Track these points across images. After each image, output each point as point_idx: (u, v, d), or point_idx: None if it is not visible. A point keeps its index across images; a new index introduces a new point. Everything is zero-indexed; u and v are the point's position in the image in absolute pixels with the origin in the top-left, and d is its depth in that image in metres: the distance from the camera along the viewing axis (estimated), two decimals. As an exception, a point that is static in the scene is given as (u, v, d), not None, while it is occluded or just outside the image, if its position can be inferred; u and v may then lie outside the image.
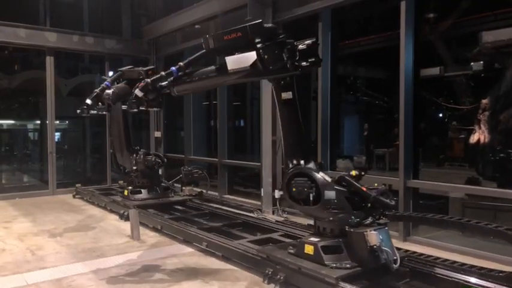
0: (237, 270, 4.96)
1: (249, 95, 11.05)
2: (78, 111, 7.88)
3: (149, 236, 6.55)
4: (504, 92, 6.17)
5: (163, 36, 11.35)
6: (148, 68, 7.76)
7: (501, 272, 4.23)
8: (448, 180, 6.66)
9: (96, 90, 7.67)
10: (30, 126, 13.28)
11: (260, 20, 4.37)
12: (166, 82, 5.00)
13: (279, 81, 4.59)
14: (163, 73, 5.00)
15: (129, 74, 7.60)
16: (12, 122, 12.84)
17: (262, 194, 8.14)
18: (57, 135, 11.53)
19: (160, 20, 11.21)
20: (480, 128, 6.35)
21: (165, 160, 8.77)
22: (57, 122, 11.12)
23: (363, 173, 4.49)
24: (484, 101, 6.33)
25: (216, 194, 9.67)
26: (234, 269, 5.01)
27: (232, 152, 10.02)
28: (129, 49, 11.68)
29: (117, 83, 7.57)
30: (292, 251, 4.60)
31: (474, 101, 6.65)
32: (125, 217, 7.48)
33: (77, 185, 10.30)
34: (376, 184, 4.51)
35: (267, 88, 7.71)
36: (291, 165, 4.66)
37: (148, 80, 5.13)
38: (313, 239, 4.45)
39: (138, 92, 5.15)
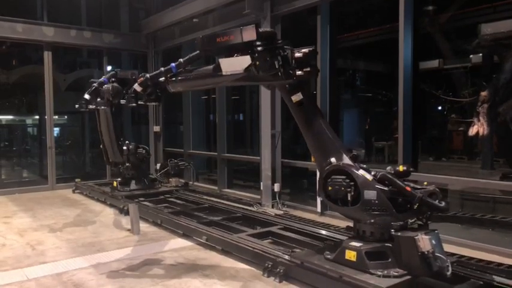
0: (237, 263, 4.97)
1: (248, 89, 11.04)
2: (77, 106, 7.87)
3: (149, 230, 6.57)
4: (503, 83, 6.16)
5: (161, 30, 11.31)
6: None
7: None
8: (447, 173, 6.66)
9: (94, 84, 7.66)
10: (29, 121, 13.26)
11: (253, 25, 4.15)
12: (164, 78, 4.97)
13: (283, 85, 4.39)
14: (162, 69, 4.98)
15: (121, 74, 7.81)
16: (11, 117, 12.81)
17: (261, 188, 8.15)
18: (56, 130, 11.52)
19: (159, 14, 11.16)
20: (479, 120, 6.35)
21: (150, 153, 9.37)
22: (56, 117, 11.10)
23: (411, 169, 4.13)
24: (483, 93, 6.32)
25: (216, 188, 9.69)
26: (233, 262, 5.02)
27: (232, 146, 10.03)
28: (127, 43, 11.64)
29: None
30: (330, 256, 4.19)
31: (473, 93, 6.65)
32: (124, 212, 7.49)
33: (77, 180, 10.31)
34: (425, 183, 4.14)
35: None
36: (324, 165, 4.33)
37: (147, 74, 5.13)
38: (355, 243, 4.04)
39: (136, 87, 5.16)
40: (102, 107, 7.88)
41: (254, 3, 7.90)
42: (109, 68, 11.39)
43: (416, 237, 3.69)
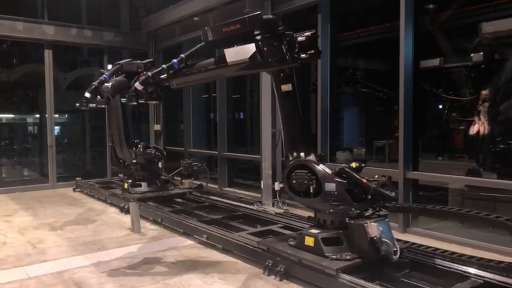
0: (238, 262, 4.98)
1: (249, 88, 11.04)
2: (77, 104, 7.86)
3: (149, 228, 6.57)
4: (504, 82, 6.16)
5: (161, 28, 11.31)
6: (147, 60, 7.70)
7: (500, 262, 4.26)
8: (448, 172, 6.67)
9: (94, 83, 7.65)
10: (29, 120, 13.26)
11: (259, 12, 4.31)
12: (166, 75, 4.95)
13: (278, 73, 4.55)
14: (164, 66, 4.95)
15: (127, 67, 7.56)
16: (11, 116, 12.81)
17: (262, 187, 8.15)
18: (57, 128, 11.52)
19: (159, 12, 11.16)
20: (480, 119, 6.35)
21: (165, 153, 8.78)
22: (57, 115, 11.10)
23: (363, 165, 4.45)
24: (484, 92, 6.32)
25: (216, 186, 9.69)
26: (234, 261, 5.03)
27: (232, 145, 10.03)
28: (127, 42, 11.64)
29: (116, 76, 7.53)
30: (292, 243, 4.62)
31: (474, 92, 6.64)
32: (125, 210, 7.50)
33: (77, 179, 10.32)
34: (376, 176, 4.47)
35: (266, 80, 7.69)
36: (291, 158, 4.66)
37: (149, 73, 5.09)
38: (313, 231, 4.47)
39: (137, 85, 5.13)
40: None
41: (255, 1, 7.90)
42: (109, 66, 11.39)
43: (365, 224, 4.06)
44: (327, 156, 7.37)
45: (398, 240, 4.39)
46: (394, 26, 6.38)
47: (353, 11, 8.65)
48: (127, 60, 7.91)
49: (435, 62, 6.68)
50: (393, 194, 4.28)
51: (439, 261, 4.29)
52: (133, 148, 8.30)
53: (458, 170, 6.76)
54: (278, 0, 7.85)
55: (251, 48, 4.18)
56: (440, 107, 7.98)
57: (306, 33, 4.37)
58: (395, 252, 4.01)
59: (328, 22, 7.40)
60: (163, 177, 8.67)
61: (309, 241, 4.39)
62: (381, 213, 4.32)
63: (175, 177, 9.44)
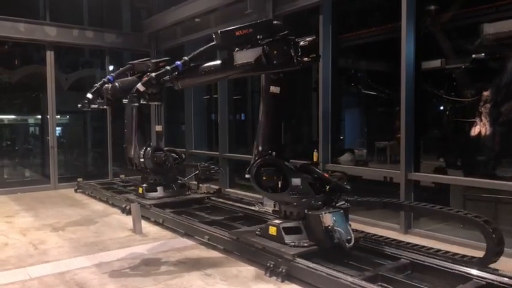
0: (239, 263, 4.98)
1: (250, 89, 11.04)
2: (79, 105, 7.85)
3: (151, 229, 6.58)
4: (506, 83, 6.15)
5: (163, 29, 11.32)
6: (160, 60, 7.47)
7: (473, 257, 4.41)
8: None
9: (96, 84, 7.66)
10: (31, 121, 13.28)
11: (270, 18, 4.66)
12: (170, 76, 5.00)
13: (270, 75, 4.86)
14: (168, 68, 5.00)
15: (139, 67, 7.48)
16: (13, 116, 12.83)
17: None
18: (58, 129, 11.53)
19: (161, 13, 11.17)
20: (481, 120, 6.34)
21: (184, 156, 8.41)
22: (58, 116, 11.11)
23: (319, 163, 5.61)
24: (486, 93, 6.31)
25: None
26: (235, 262, 5.03)
27: (233, 146, 10.02)
28: (129, 43, 11.65)
29: (129, 76, 7.48)
30: (259, 232, 5.12)
31: (476, 93, 6.63)
32: (126, 211, 7.50)
33: (79, 180, 10.32)
34: (330, 171, 5.26)
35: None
36: (261, 155, 5.01)
37: (153, 74, 5.11)
38: (276, 221, 4.98)
39: (139, 87, 5.15)
40: (133, 104, 7.67)
41: (256, 2, 7.92)
42: (111, 67, 11.41)
43: (320, 215, 4.53)
44: (328, 157, 7.39)
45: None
46: (395, 26, 6.38)
47: (354, 12, 8.64)
48: (141, 60, 7.79)
49: (437, 63, 6.67)
50: (348, 186, 4.82)
51: (376, 246, 4.88)
52: (143, 150, 7.89)
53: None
54: (280, 1, 7.86)
55: (258, 51, 4.44)
56: (442, 108, 7.98)
57: (307, 38, 4.57)
58: (348, 241, 4.42)
59: (330, 23, 7.40)
60: (179, 181, 8.24)
61: (272, 230, 4.89)
62: (340, 205, 4.82)
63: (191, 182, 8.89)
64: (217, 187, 8.84)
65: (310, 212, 4.68)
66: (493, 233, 4.10)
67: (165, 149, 8.31)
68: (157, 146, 8.31)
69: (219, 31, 4.77)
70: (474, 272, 4.03)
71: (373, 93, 9.78)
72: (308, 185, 4.75)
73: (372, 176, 7.83)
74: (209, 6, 9.26)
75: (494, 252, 4.15)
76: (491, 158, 6.40)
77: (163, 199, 7.70)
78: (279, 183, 4.83)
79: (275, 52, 4.42)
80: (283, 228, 4.78)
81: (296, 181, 4.78)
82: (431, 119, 7.79)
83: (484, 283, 3.89)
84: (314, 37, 4.63)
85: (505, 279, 3.84)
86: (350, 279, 3.86)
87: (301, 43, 4.53)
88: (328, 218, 4.48)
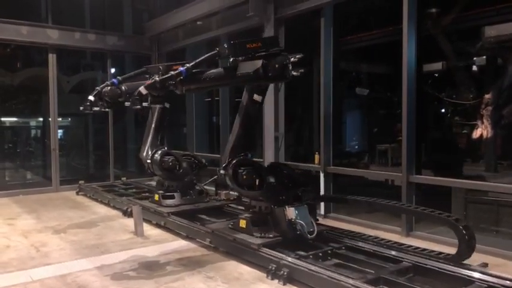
0: (240, 265, 4.98)
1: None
2: (81, 108, 7.85)
3: (152, 232, 6.59)
4: (507, 86, 6.15)
5: (165, 32, 11.34)
6: (172, 63, 7.26)
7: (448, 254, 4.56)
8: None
9: (97, 87, 7.66)
10: (32, 123, 13.29)
11: (277, 35, 5.35)
12: (174, 82, 5.09)
13: (257, 85, 5.32)
14: (172, 73, 5.09)
15: (152, 71, 7.35)
16: (15, 119, 12.86)
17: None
18: (60, 132, 11.55)
19: (162, 16, 11.20)
20: (483, 122, 6.34)
21: (204, 161, 7.99)
22: (60, 119, 11.14)
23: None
24: (487, 96, 6.31)
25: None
26: (237, 264, 5.04)
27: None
28: (131, 46, 11.68)
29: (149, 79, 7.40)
30: (231, 226, 5.63)
31: (477, 95, 6.64)
32: (128, 213, 7.51)
33: (80, 182, 10.33)
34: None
35: (270, 86, 7.68)
36: (235, 157, 5.37)
37: (157, 78, 5.16)
38: (246, 215, 5.47)
39: (142, 89, 5.16)
40: (158, 106, 7.69)
41: (258, 5, 7.93)
42: (112, 70, 11.43)
43: (284, 208, 5.00)
44: (330, 159, 7.39)
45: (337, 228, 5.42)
46: (396, 29, 6.40)
47: (356, 15, 8.65)
48: (168, 63, 7.64)
49: (438, 65, 6.68)
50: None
51: (348, 240, 5.28)
52: (152, 153, 7.55)
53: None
54: (281, 4, 7.87)
55: (258, 63, 4.75)
56: (443, 110, 7.97)
57: (297, 56, 5.10)
58: (311, 233, 4.91)
59: (331, 26, 7.42)
60: (197, 187, 7.77)
61: (243, 223, 5.38)
62: (307, 200, 5.23)
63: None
64: (236, 193, 8.63)
65: (275, 207, 5.14)
66: (463, 229, 4.35)
67: (184, 153, 7.96)
68: (169, 150, 7.85)
69: (231, 42, 5.12)
70: (476, 275, 4.04)
71: (375, 96, 9.78)
72: (279, 183, 5.21)
73: (374, 178, 7.81)
74: (210, 9, 9.28)
75: (466, 248, 4.35)
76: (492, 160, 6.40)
77: (181, 206, 7.23)
78: (257, 181, 5.22)
79: (276, 66, 4.77)
80: (252, 221, 5.29)
81: (271, 179, 5.20)
82: (432, 121, 7.79)
83: (486, 286, 3.89)
84: (301, 55, 5.16)
85: (507, 282, 3.85)
86: (351, 281, 3.87)
87: (292, 59, 4.97)
88: (291, 212, 4.95)
